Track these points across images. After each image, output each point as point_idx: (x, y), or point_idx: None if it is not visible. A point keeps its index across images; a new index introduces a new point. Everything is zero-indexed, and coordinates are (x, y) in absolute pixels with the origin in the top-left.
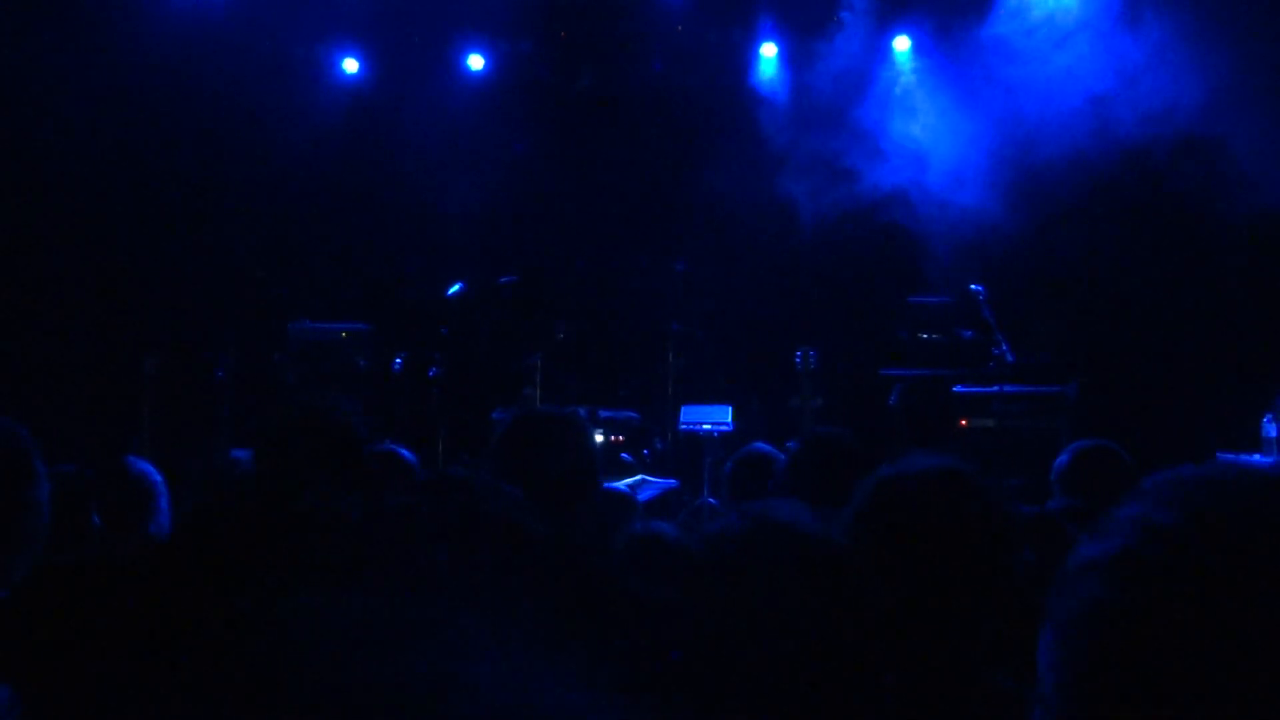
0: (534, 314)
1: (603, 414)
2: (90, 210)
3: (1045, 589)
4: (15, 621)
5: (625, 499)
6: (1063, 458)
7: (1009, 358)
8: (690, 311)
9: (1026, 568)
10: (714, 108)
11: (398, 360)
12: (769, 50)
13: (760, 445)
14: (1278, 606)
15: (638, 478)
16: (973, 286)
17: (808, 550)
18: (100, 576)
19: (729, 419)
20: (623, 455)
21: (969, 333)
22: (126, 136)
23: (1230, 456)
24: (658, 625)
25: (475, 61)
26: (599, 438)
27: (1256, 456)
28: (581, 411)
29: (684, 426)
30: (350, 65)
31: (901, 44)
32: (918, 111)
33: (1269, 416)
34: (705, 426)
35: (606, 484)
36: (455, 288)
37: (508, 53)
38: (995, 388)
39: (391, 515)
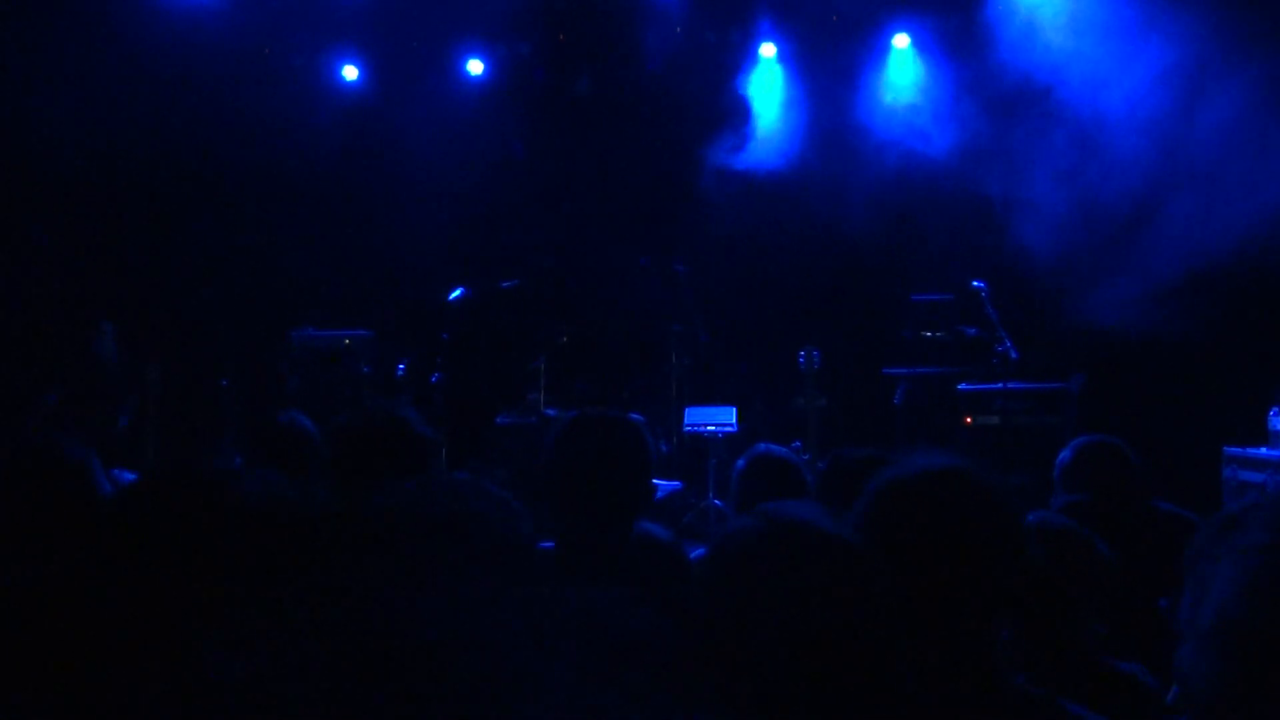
0: (536, 318)
1: None
2: (91, 219)
3: (1052, 588)
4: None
5: None
6: (1065, 454)
7: (1012, 354)
8: (692, 313)
9: (1034, 566)
10: (713, 108)
11: (400, 366)
12: (768, 50)
13: (769, 446)
14: None
15: None
16: (975, 283)
17: (823, 548)
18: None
19: (733, 420)
20: None
21: (972, 330)
22: (128, 144)
23: (1236, 450)
24: (659, 625)
25: (474, 66)
26: None
27: (1263, 450)
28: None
29: (688, 428)
30: (350, 72)
31: (901, 41)
32: (917, 108)
33: (1275, 410)
34: (709, 428)
35: None
36: (457, 293)
37: (506, 57)
38: (999, 385)
39: (376, 514)
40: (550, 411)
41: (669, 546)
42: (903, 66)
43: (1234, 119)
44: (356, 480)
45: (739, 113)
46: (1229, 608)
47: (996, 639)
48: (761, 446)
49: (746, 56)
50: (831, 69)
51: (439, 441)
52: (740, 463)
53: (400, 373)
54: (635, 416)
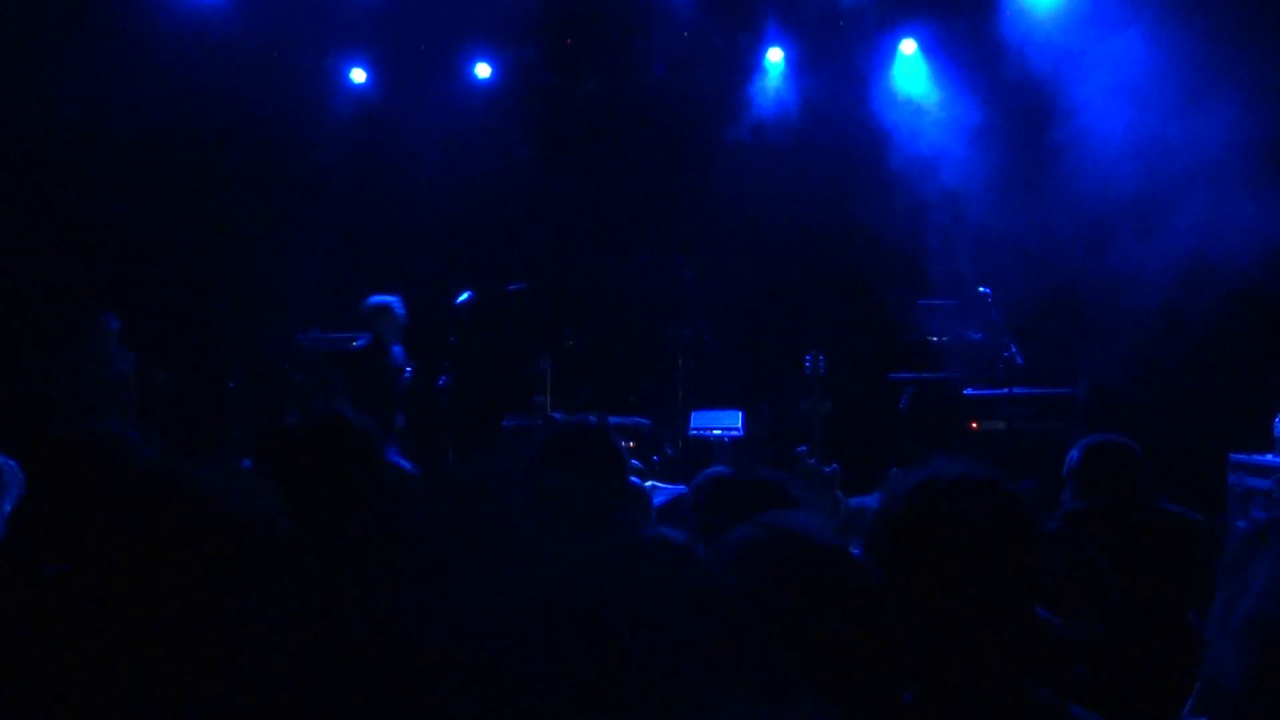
0: (543, 321)
1: (612, 420)
2: (100, 221)
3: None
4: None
5: (639, 491)
6: (1074, 454)
7: (1018, 360)
8: (699, 317)
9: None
10: (720, 113)
11: (407, 370)
12: (775, 55)
13: (717, 469)
14: None
15: (648, 483)
16: (981, 289)
17: (826, 560)
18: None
19: (739, 424)
20: (632, 461)
21: (978, 335)
22: (137, 147)
23: (1242, 457)
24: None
25: (482, 70)
26: None
27: (1269, 456)
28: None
29: (694, 432)
30: (358, 75)
31: (908, 47)
32: (923, 113)
33: None
34: (715, 432)
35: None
36: (464, 296)
37: (513, 61)
38: (1005, 390)
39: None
40: (556, 415)
41: (685, 549)
42: (910, 72)
43: (1235, 123)
44: (302, 482)
45: (745, 118)
46: (1265, 604)
47: (1018, 646)
48: (710, 470)
49: (753, 61)
50: (838, 74)
51: (379, 431)
52: (694, 486)
53: (407, 376)
54: (642, 420)
